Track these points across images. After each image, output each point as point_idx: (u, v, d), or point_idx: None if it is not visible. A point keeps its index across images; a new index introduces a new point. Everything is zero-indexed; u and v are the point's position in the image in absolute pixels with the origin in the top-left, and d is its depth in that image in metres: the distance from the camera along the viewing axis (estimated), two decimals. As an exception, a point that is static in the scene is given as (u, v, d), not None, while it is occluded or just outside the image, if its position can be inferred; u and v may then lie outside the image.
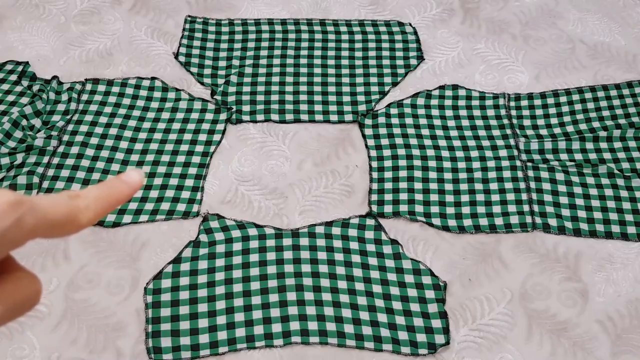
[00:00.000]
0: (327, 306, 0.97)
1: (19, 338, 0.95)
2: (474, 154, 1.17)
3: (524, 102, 1.26)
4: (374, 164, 1.16)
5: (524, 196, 1.11)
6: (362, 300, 0.98)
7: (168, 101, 1.25)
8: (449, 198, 1.11)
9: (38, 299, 0.26)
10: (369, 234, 1.06)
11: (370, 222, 1.07)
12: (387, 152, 1.17)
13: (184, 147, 1.17)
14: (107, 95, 1.25)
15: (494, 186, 1.12)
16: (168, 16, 1.41)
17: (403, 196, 1.11)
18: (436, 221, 1.08)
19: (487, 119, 1.23)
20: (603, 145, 1.18)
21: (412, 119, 1.23)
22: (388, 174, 1.14)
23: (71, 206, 0.26)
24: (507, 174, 1.14)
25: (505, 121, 1.23)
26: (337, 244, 1.04)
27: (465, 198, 1.11)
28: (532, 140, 1.19)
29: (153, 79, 1.28)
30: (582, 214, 1.09)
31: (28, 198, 0.24)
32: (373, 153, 1.17)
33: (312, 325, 0.95)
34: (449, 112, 1.24)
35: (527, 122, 1.23)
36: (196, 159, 1.16)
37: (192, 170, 1.14)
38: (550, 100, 1.26)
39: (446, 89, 1.27)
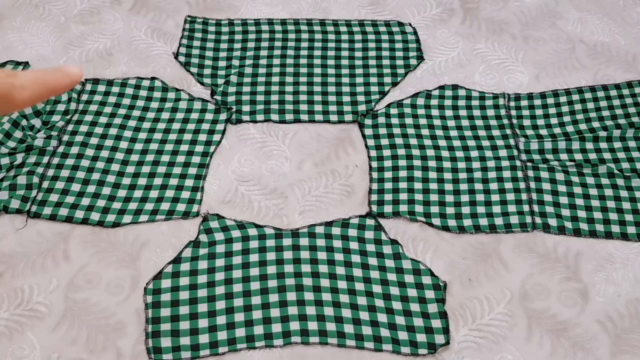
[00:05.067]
0: (327, 306, 0.97)
1: (19, 338, 0.95)
2: (474, 154, 1.17)
3: (524, 102, 1.26)
4: (374, 164, 1.16)
5: (524, 196, 1.11)
6: (362, 300, 0.98)
7: (168, 101, 1.25)
8: (449, 198, 1.11)
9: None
10: (369, 234, 1.06)
11: (370, 222, 1.07)
12: (387, 152, 1.17)
13: (184, 147, 1.17)
14: (107, 95, 1.25)
15: (493, 186, 1.12)
16: (168, 16, 1.41)
17: (403, 196, 1.11)
18: (436, 221, 1.08)
19: (487, 119, 1.23)
20: (603, 145, 1.18)
21: (412, 119, 1.22)
22: (388, 174, 1.14)
23: (6, 83, 0.25)
24: (507, 174, 1.14)
25: (505, 121, 1.23)
26: (337, 244, 1.04)
27: (465, 198, 1.11)
28: (532, 140, 1.19)
29: (153, 79, 1.28)
30: (582, 214, 1.09)
31: None
32: (373, 153, 1.17)
33: (312, 325, 0.95)
34: (448, 112, 1.24)
35: (527, 122, 1.23)
36: (196, 159, 1.16)
37: (192, 170, 1.14)
38: (550, 100, 1.26)
39: (446, 89, 1.27)
